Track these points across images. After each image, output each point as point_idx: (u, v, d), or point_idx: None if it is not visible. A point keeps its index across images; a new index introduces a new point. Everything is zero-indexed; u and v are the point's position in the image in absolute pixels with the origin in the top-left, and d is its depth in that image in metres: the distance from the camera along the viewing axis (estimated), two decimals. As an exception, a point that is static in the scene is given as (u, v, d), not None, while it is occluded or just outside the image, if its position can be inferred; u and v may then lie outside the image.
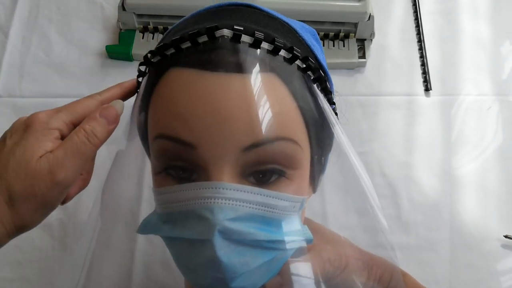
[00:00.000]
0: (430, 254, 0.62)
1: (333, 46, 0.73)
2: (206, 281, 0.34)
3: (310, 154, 0.37)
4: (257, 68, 0.33)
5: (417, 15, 0.78)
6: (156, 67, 0.36)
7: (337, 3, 0.69)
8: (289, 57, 0.35)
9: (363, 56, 0.73)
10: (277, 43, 0.34)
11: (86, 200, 0.61)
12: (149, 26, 0.73)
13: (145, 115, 0.37)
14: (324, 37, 0.73)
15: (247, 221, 0.33)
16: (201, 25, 0.34)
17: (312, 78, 0.37)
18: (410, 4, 0.80)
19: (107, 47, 0.72)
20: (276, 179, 0.34)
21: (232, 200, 0.32)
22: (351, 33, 0.73)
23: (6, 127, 0.72)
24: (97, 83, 0.71)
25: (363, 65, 0.73)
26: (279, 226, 0.35)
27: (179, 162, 0.34)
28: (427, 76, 0.73)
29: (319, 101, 0.37)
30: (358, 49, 0.74)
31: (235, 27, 0.33)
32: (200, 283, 0.35)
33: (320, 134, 0.38)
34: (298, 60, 0.35)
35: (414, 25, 0.78)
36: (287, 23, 0.39)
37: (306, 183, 0.38)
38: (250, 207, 0.33)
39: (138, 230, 0.37)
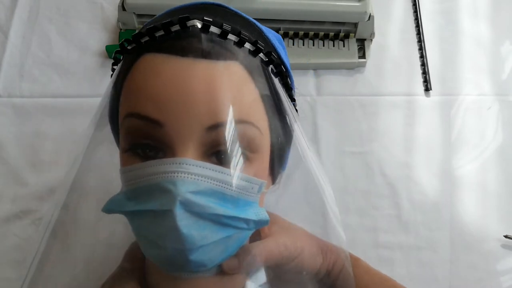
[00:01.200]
0: (430, 254, 0.61)
1: (333, 46, 0.73)
2: (167, 253, 0.35)
3: (270, 141, 0.40)
4: (223, 56, 0.36)
5: (417, 15, 0.78)
6: (130, 54, 0.38)
7: (337, 3, 0.69)
8: (253, 49, 0.38)
9: (363, 56, 0.73)
10: (243, 36, 0.37)
11: (87, 200, 0.61)
12: (149, 26, 0.73)
13: (117, 99, 0.39)
14: (324, 37, 0.73)
15: (208, 195, 0.35)
16: (175, 18, 0.37)
17: (274, 72, 0.40)
18: (410, 4, 0.80)
19: (107, 47, 0.73)
20: (237, 160, 0.37)
21: (194, 175, 0.34)
22: (351, 33, 0.73)
23: (6, 127, 0.73)
24: (97, 83, 0.71)
25: (363, 65, 0.73)
26: (237, 204, 0.37)
27: (146, 140, 0.36)
28: (427, 76, 0.73)
29: (280, 94, 0.40)
30: (358, 49, 0.74)
31: (205, 18, 0.36)
32: (161, 256, 0.37)
33: (279, 123, 0.40)
34: (261, 53, 0.38)
35: (414, 25, 0.78)
36: (254, 23, 0.42)
37: (265, 168, 0.40)
38: (211, 183, 0.35)
39: (103, 209, 0.38)
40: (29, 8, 0.77)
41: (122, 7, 0.70)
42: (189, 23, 0.36)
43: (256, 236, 0.44)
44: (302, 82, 0.72)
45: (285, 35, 0.74)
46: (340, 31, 0.73)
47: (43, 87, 0.71)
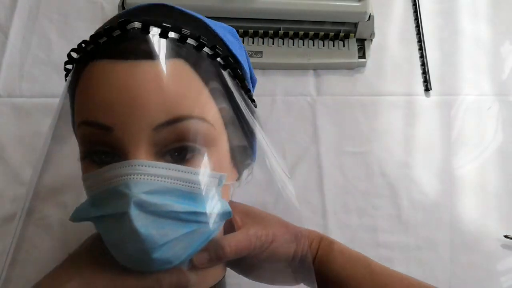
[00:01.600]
0: (430, 254, 0.62)
1: (333, 46, 0.74)
2: (130, 254, 0.36)
3: (226, 134, 0.40)
4: (165, 54, 0.36)
5: (417, 15, 0.78)
6: (79, 64, 0.39)
7: (337, 3, 0.69)
8: (197, 44, 0.38)
9: (363, 56, 0.73)
10: (184, 32, 0.37)
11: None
12: (149, 26, 0.73)
13: (72, 109, 0.40)
14: (324, 37, 0.73)
15: (163, 194, 0.35)
16: (115, 22, 0.37)
17: (222, 64, 0.40)
18: (410, 4, 0.80)
19: (107, 47, 0.73)
20: (192, 156, 0.37)
21: (147, 175, 0.35)
22: (351, 33, 0.73)
23: (6, 127, 0.73)
24: (97, 83, 0.71)
25: (363, 65, 0.73)
26: (197, 199, 0.37)
27: (100, 146, 0.37)
28: (427, 76, 0.73)
29: (231, 86, 0.40)
30: (358, 49, 0.74)
31: (144, 19, 0.37)
32: (126, 258, 0.37)
33: (234, 115, 0.41)
34: (205, 47, 0.38)
35: (414, 25, 0.78)
36: (200, 19, 0.42)
37: (224, 162, 0.41)
38: (166, 181, 0.36)
39: (70, 218, 0.38)
40: (29, 8, 0.77)
41: (122, 7, 0.70)
42: (129, 26, 0.36)
43: (231, 228, 0.44)
44: (302, 82, 0.72)
45: (285, 35, 0.74)
46: (340, 31, 0.73)
47: (43, 87, 0.71)
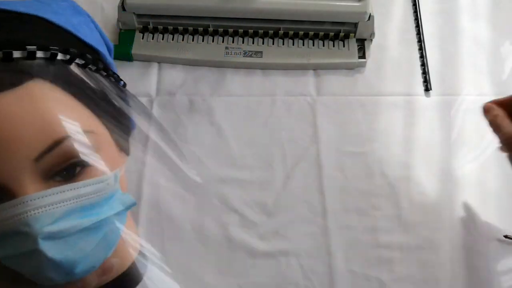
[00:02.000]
0: (430, 254, 0.61)
1: (333, 46, 0.74)
2: (54, 279, 0.35)
3: (108, 131, 0.39)
4: (16, 80, 0.33)
5: (417, 15, 0.78)
6: None
7: (337, 3, 0.69)
8: (49, 56, 0.35)
9: (363, 56, 0.73)
10: (30, 48, 0.34)
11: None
12: (149, 26, 0.73)
13: None
14: (324, 37, 0.73)
15: (67, 217, 0.34)
16: None
17: (81, 64, 0.37)
18: (410, 4, 0.80)
19: (107, 47, 0.72)
20: (81, 169, 0.36)
21: (43, 207, 0.33)
22: (351, 33, 0.73)
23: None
24: (97, 83, 0.71)
25: (363, 65, 0.73)
26: (101, 205, 0.36)
27: None
28: (427, 76, 0.73)
29: (96, 81, 0.39)
30: (358, 49, 0.74)
31: None
32: (50, 281, 0.36)
33: (109, 107, 0.40)
34: (59, 55, 0.36)
35: (414, 25, 0.78)
36: (38, 17, 0.38)
37: (113, 157, 0.40)
38: (64, 205, 0.34)
39: None
40: (29, 8, 0.77)
41: (122, 7, 0.70)
42: None
43: None
44: (302, 82, 0.72)
45: (285, 35, 0.74)
46: (340, 31, 0.73)
47: (43, 87, 0.71)
